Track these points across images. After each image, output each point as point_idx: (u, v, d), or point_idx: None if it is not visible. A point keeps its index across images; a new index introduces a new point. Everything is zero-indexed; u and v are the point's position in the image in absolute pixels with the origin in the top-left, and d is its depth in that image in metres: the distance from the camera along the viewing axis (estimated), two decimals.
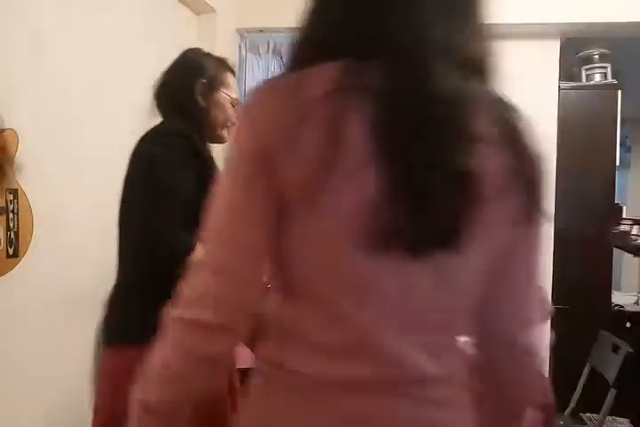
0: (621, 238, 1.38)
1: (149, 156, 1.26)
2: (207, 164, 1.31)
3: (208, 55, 1.52)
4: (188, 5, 2.89)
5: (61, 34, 1.92)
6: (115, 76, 2.21)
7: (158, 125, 1.36)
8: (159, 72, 2.10)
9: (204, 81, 1.40)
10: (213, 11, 2.97)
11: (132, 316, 1.28)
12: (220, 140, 1.47)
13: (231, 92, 1.46)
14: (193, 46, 1.62)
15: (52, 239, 1.84)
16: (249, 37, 3.28)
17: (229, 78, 1.48)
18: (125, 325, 1.29)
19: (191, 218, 1.05)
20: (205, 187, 1.13)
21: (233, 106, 1.46)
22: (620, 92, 3.08)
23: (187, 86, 1.39)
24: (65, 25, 1.94)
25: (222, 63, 1.51)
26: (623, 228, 1.39)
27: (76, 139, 1.98)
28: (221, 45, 3.07)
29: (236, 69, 1.56)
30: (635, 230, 1.40)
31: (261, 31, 3.25)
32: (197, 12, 2.98)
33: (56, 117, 1.90)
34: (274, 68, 3.27)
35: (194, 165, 1.27)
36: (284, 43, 3.26)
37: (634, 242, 1.37)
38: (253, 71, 3.28)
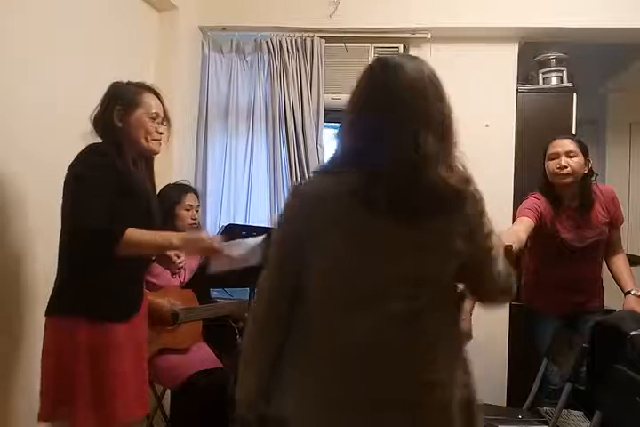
0: None
1: (75, 174, 1.62)
2: (123, 175, 1.63)
3: (126, 83, 1.77)
4: (148, 2, 2.84)
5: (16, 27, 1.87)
6: (72, 74, 2.16)
7: (87, 147, 1.65)
8: (116, 70, 2.11)
9: (119, 107, 1.69)
10: (175, 8, 2.93)
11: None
12: (147, 150, 1.75)
13: (150, 108, 1.73)
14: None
15: None
16: (212, 36, 3.25)
17: (145, 98, 1.73)
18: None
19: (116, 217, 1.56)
20: (124, 191, 1.61)
21: (154, 119, 1.73)
22: (575, 95, 3.18)
23: (107, 117, 1.69)
24: (23, 22, 1.89)
25: (138, 86, 1.76)
26: None
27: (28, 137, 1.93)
28: (183, 43, 3.04)
29: (158, 90, 1.81)
30: None
31: (224, 29, 3.23)
32: (159, 9, 2.93)
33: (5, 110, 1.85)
34: (237, 67, 3.25)
35: (112, 176, 1.61)
36: (248, 42, 3.25)
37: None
38: (216, 70, 3.25)
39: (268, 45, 3.18)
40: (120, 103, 1.69)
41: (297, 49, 3.14)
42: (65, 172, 1.63)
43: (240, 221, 3.06)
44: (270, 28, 3.16)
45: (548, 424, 2.11)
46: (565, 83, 3.23)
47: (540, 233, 2.36)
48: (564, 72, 3.24)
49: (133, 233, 1.56)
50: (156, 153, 1.78)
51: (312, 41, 3.13)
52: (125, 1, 2.64)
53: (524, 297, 2.62)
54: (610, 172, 4.24)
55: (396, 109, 1.05)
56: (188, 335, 2.34)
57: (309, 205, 1.08)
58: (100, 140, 1.70)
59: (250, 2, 3.18)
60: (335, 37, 3.17)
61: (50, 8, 2.04)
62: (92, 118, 1.71)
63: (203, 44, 3.25)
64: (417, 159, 1.02)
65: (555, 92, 3.23)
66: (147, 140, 1.72)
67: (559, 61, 3.27)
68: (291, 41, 3.15)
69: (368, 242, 1.07)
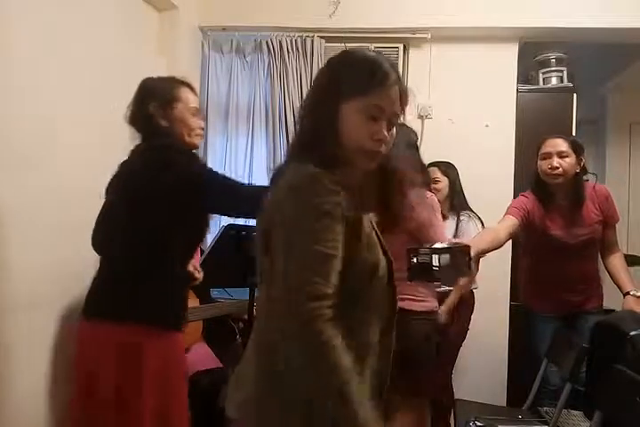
0: (420, 272, 1.34)
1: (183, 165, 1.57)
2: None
3: (158, 79, 1.69)
4: (148, 2, 2.84)
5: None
6: (71, 74, 2.16)
7: (153, 143, 1.61)
8: (116, 70, 2.09)
9: (156, 104, 1.61)
10: (175, 8, 2.93)
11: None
12: (191, 146, 1.68)
13: (188, 102, 1.66)
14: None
15: None
16: (212, 36, 3.25)
17: (182, 92, 1.66)
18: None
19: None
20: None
21: (195, 114, 1.66)
22: (575, 95, 3.18)
23: (145, 114, 1.61)
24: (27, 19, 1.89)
25: (172, 81, 1.68)
26: (422, 258, 1.33)
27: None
28: (183, 43, 3.04)
29: (193, 82, 1.75)
30: (435, 261, 1.34)
31: (224, 29, 3.23)
32: (159, 9, 2.93)
33: (11, 114, 1.84)
34: (237, 67, 3.25)
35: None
36: (248, 42, 3.25)
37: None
38: (216, 70, 3.25)
39: (268, 45, 3.18)
40: (157, 99, 1.62)
41: (297, 49, 3.14)
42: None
43: (240, 222, 3.05)
44: (270, 28, 3.16)
45: (547, 424, 2.11)
46: (565, 83, 3.24)
47: (531, 231, 2.36)
48: (564, 72, 3.24)
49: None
50: (197, 148, 1.74)
51: (312, 41, 3.13)
52: (125, 1, 2.64)
53: (522, 296, 2.62)
54: (610, 172, 4.24)
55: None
56: (188, 335, 2.33)
57: None
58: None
59: (250, 2, 3.18)
60: (335, 37, 3.17)
61: (49, 8, 2.04)
62: (128, 118, 1.64)
63: (203, 44, 3.25)
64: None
65: (555, 92, 3.24)
66: (189, 136, 1.67)
67: (559, 61, 3.27)
68: (291, 41, 3.15)
69: None
